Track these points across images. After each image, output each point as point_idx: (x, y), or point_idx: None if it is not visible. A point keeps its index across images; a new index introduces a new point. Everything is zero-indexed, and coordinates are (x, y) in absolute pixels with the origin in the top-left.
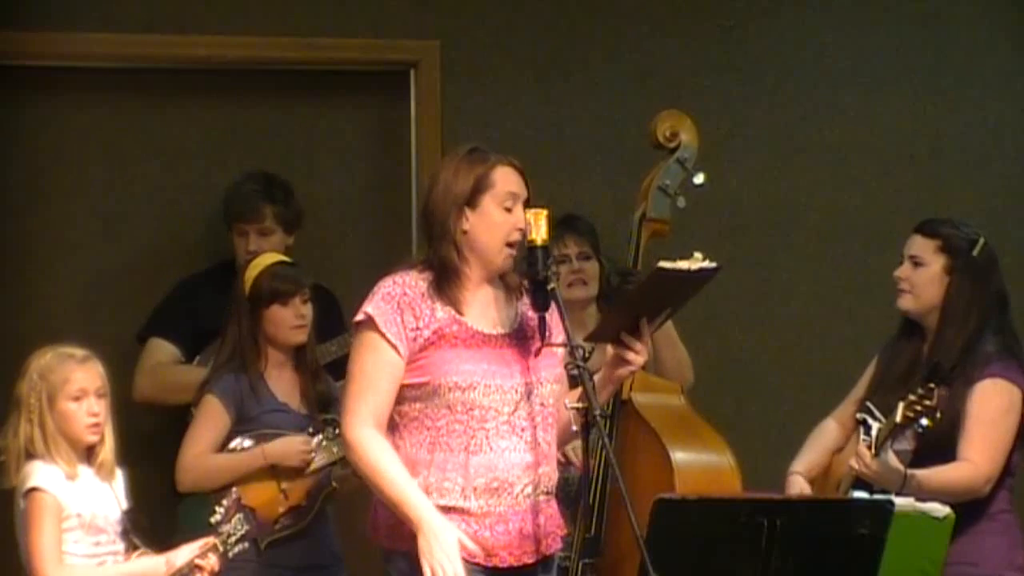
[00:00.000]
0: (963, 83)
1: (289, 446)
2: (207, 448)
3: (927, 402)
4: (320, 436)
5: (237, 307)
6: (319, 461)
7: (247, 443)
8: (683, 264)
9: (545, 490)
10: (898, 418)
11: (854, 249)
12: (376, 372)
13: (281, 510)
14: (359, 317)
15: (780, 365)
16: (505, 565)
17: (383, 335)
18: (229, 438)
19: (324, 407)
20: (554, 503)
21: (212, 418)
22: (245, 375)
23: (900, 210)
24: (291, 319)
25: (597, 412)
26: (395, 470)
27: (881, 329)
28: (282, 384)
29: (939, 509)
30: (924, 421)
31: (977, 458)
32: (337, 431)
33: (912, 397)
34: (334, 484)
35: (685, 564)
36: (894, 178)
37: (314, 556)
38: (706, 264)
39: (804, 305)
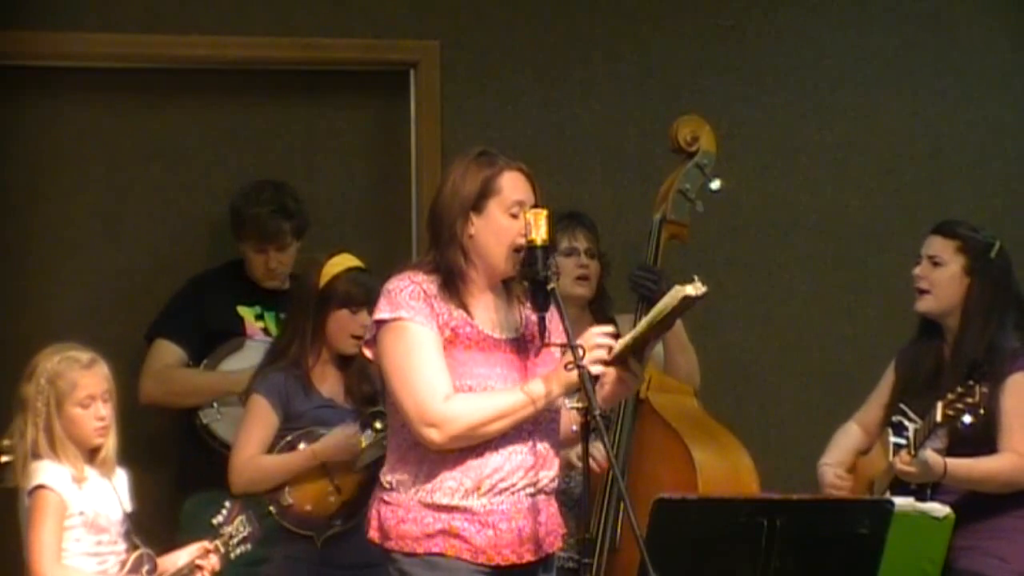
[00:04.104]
0: (963, 83)
1: (336, 440)
2: (258, 449)
3: (969, 399)
4: (368, 430)
5: (306, 301)
6: (369, 456)
7: (301, 445)
8: (691, 290)
9: (546, 491)
10: (938, 417)
11: (854, 249)
12: (426, 351)
13: (334, 506)
14: (383, 316)
15: (780, 365)
16: (507, 563)
17: (417, 323)
18: (278, 436)
19: (370, 405)
20: (554, 503)
21: (261, 418)
22: (293, 371)
23: (900, 210)
24: (355, 327)
25: (597, 412)
26: (493, 400)
27: (881, 329)
28: (327, 382)
29: (939, 509)
30: (967, 418)
31: (1022, 448)
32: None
33: (951, 396)
34: None
35: (685, 564)
36: (894, 178)
37: (366, 553)
38: (704, 288)
39: (804, 305)
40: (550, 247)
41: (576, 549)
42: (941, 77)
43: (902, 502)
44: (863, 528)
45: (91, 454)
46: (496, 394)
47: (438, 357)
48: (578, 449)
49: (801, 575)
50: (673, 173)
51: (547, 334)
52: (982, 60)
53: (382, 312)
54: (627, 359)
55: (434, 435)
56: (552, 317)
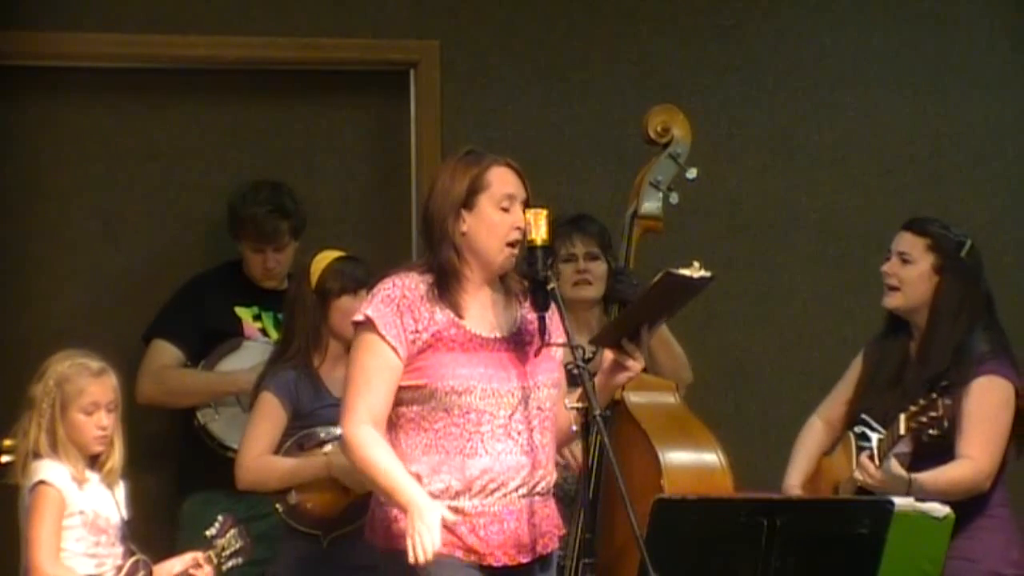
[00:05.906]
0: (963, 83)
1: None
2: (267, 447)
3: (932, 414)
4: None
5: (303, 302)
6: None
7: (328, 447)
8: (685, 271)
9: (541, 491)
10: (902, 430)
11: (854, 249)
12: (375, 374)
13: (341, 507)
14: (358, 318)
15: (780, 365)
16: (499, 564)
17: (383, 337)
18: (286, 435)
19: None
20: (551, 503)
21: (270, 416)
22: (302, 370)
23: (900, 210)
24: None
25: (597, 412)
26: (388, 461)
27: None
28: (335, 379)
29: (939, 509)
30: (931, 431)
31: (977, 454)
32: None
33: (914, 408)
34: None
35: (685, 564)
36: (894, 178)
37: (372, 554)
38: (705, 273)
39: (804, 305)
40: (550, 247)
41: (573, 549)
42: (941, 77)
43: (902, 502)
44: (863, 528)
45: (94, 460)
46: (391, 463)
47: (377, 380)
48: (564, 450)
49: (801, 575)
50: (645, 166)
51: (547, 334)
52: (982, 60)
53: (359, 314)
54: (620, 342)
55: (345, 450)
56: (552, 317)
